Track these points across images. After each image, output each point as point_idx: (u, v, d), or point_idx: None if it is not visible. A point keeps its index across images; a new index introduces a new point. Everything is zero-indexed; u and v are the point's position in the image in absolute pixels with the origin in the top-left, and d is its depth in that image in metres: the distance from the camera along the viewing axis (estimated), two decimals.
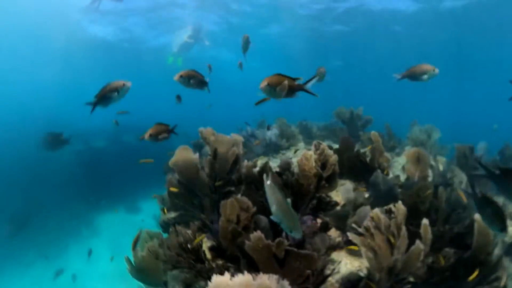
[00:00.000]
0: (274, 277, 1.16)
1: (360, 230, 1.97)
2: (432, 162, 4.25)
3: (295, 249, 1.62)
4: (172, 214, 2.80)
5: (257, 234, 1.49)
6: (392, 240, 1.93)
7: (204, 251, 1.95)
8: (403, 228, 1.93)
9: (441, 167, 4.07)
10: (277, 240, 1.51)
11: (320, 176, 2.22)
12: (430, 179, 3.48)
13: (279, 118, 5.06)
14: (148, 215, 8.58)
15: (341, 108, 5.74)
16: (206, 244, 2.25)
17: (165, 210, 2.74)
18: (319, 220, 2.39)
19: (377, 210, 1.99)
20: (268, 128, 4.36)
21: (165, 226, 3.04)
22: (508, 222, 3.47)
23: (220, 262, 2.05)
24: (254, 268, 1.72)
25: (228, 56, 16.66)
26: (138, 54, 17.48)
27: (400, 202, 1.98)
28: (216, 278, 1.11)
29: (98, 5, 9.92)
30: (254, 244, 1.49)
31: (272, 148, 4.32)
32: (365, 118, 5.82)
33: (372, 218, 2.00)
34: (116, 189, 8.96)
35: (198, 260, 1.89)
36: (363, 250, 1.90)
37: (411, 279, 2.18)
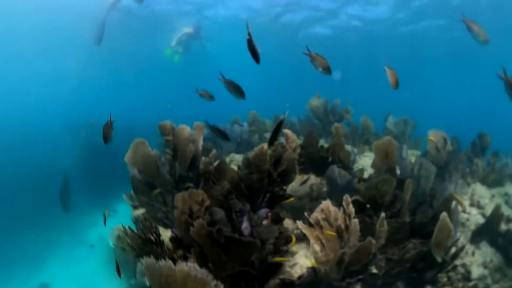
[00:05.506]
0: (192, 265, 1.46)
1: (311, 221, 2.20)
2: (404, 155, 4.54)
3: (237, 236, 1.94)
4: (141, 210, 3.12)
5: (200, 221, 1.81)
6: (341, 233, 2.11)
7: (163, 240, 2.28)
8: (353, 221, 2.13)
9: (413, 160, 4.33)
10: (216, 226, 1.84)
11: (270, 171, 2.56)
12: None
13: (250, 113, 5.27)
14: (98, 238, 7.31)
15: (315, 99, 5.71)
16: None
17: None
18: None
19: (327, 202, 2.19)
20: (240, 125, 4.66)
21: (136, 222, 3.36)
22: (475, 210, 3.81)
23: (180, 252, 2.38)
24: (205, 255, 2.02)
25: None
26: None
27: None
28: (146, 260, 1.44)
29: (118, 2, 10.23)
30: (197, 230, 1.81)
31: (244, 146, 4.64)
32: (341, 112, 5.99)
33: (322, 210, 2.22)
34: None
35: (160, 247, 2.22)
36: (311, 242, 2.10)
37: (374, 271, 2.38)
